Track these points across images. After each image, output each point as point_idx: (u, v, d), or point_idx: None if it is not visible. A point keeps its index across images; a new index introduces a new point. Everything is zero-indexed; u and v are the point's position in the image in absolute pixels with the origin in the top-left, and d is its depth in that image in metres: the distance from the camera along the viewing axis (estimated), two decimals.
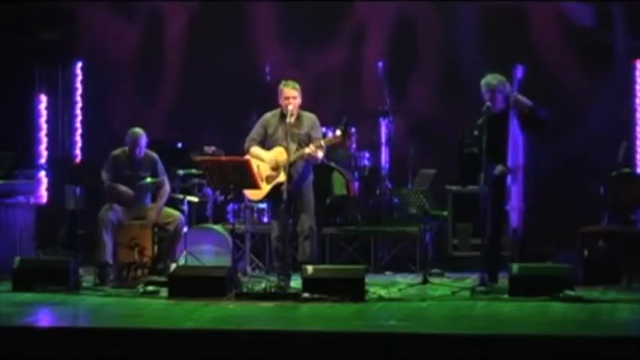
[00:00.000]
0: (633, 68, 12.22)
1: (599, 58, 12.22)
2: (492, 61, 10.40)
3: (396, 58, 12.47)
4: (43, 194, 12.27)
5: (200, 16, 13.03)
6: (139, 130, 10.44)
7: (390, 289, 9.58)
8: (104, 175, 10.41)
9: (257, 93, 11.58)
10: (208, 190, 11.22)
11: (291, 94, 9.79)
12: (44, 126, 12.73)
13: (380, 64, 11.95)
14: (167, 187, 10.53)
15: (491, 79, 9.59)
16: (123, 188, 10.29)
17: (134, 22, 13.16)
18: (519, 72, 9.60)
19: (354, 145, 11.99)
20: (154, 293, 9.45)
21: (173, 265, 9.71)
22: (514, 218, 9.52)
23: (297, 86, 9.84)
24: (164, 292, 9.38)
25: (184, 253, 10.36)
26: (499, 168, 9.48)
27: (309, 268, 9.18)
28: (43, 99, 12.76)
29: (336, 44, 12.81)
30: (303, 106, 9.90)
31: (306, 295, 9.02)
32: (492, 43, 12.26)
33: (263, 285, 9.50)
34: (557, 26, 12.39)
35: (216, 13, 12.94)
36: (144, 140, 10.44)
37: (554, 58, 12.31)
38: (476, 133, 9.73)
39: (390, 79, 11.95)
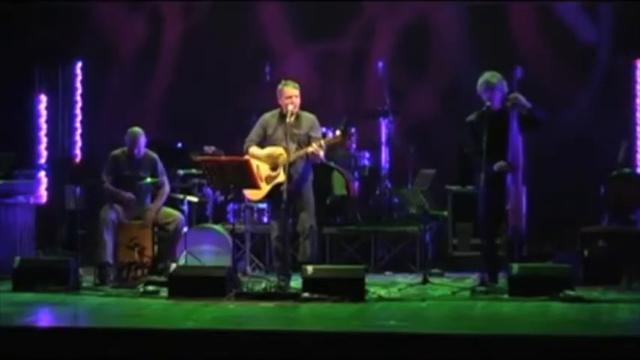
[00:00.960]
0: (634, 68, 12.23)
1: (594, 58, 12.25)
2: (491, 62, 10.40)
3: (397, 58, 12.49)
4: (43, 194, 12.26)
5: (201, 17, 13.04)
6: (138, 130, 10.44)
7: (390, 289, 9.58)
8: (104, 178, 10.41)
9: (257, 93, 11.58)
10: (208, 190, 11.22)
11: (292, 93, 9.80)
12: (44, 126, 12.74)
13: (380, 64, 11.95)
14: (167, 187, 10.53)
15: (490, 77, 9.59)
16: (124, 193, 10.27)
17: (134, 23, 13.16)
18: (518, 73, 9.61)
19: (354, 145, 11.99)
20: (154, 293, 9.45)
21: (173, 265, 9.71)
22: (514, 218, 9.51)
23: (297, 86, 9.85)
24: (164, 292, 9.38)
25: (184, 253, 10.37)
26: (500, 164, 9.45)
27: (309, 268, 9.18)
28: (43, 99, 12.77)
29: (339, 43, 12.82)
30: (303, 106, 9.91)
31: (306, 295, 9.01)
32: (490, 44, 12.27)
33: (263, 285, 9.50)
34: (558, 28, 12.42)
35: (217, 13, 12.95)
36: (143, 140, 10.44)
37: (551, 59, 12.33)
38: (462, 134, 9.77)
39: (391, 79, 11.96)
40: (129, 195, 10.29)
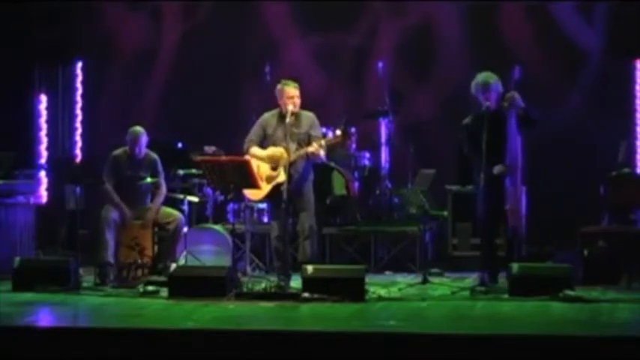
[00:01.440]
0: (633, 68, 12.23)
1: (593, 59, 12.24)
2: (491, 62, 10.40)
3: (398, 58, 12.48)
4: (43, 194, 12.26)
5: (201, 16, 13.03)
6: (139, 129, 10.44)
7: (390, 289, 9.58)
8: (105, 178, 10.41)
9: (257, 93, 11.58)
10: (208, 190, 11.23)
11: (294, 93, 9.81)
12: (44, 126, 12.74)
13: (380, 64, 11.95)
14: (163, 188, 10.53)
15: (485, 77, 9.60)
16: (124, 208, 10.27)
17: (134, 22, 13.15)
18: (517, 73, 9.62)
19: (354, 145, 11.99)
20: (154, 293, 9.45)
21: (173, 265, 9.70)
22: (513, 218, 9.51)
23: (297, 86, 9.86)
24: (164, 292, 9.38)
25: (184, 253, 10.36)
26: (499, 167, 9.46)
27: (309, 268, 9.18)
28: (43, 99, 12.77)
29: (341, 43, 12.83)
30: (303, 105, 9.92)
31: (306, 295, 9.01)
32: (491, 44, 12.26)
33: (263, 285, 9.49)
34: (557, 28, 12.42)
35: (217, 13, 12.95)
36: (144, 139, 10.43)
37: (550, 59, 12.34)
38: (461, 135, 9.77)
39: (392, 78, 11.96)
40: (127, 212, 10.28)
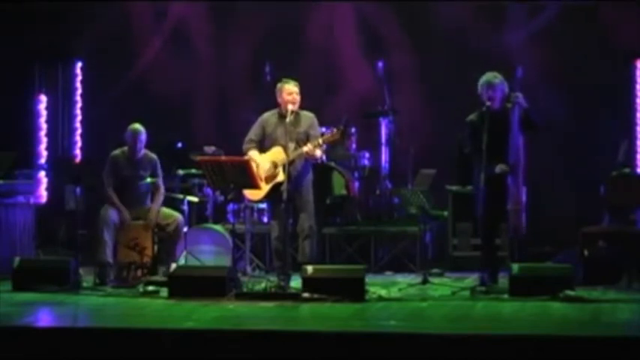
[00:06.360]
0: (634, 68, 12.22)
1: (594, 57, 12.22)
2: (492, 62, 10.39)
3: (396, 57, 12.47)
4: (43, 194, 12.27)
5: (201, 16, 13.02)
6: (138, 127, 10.43)
7: (390, 289, 9.59)
8: (105, 179, 10.42)
9: (257, 93, 11.58)
10: (208, 190, 11.23)
11: (293, 90, 9.82)
12: (44, 126, 12.75)
13: (380, 64, 11.95)
14: (162, 189, 10.54)
15: (492, 77, 9.60)
16: (124, 211, 10.28)
17: (134, 22, 13.14)
18: (519, 72, 9.62)
19: (354, 145, 11.99)
20: (154, 293, 9.45)
21: (173, 265, 9.71)
22: (514, 218, 9.51)
23: (297, 84, 9.87)
24: (164, 292, 9.38)
25: (184, 253, 10.36)
26: (501, 166, 9.46)
27: (309, 268, 9.18)
28: (43, 99, 12.78)
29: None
30: (302, 106, 9.92)
31: (306, 295, 9.01)
32: (491, 43, 12.25)
33: (263, 285, 9.49)
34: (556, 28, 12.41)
35: (217, 13, 12.94)
36: (144, 136, 10.43)
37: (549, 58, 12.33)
38: (460, 134, 9.77)
39: (391, 78, 11.95)
40: (126, 214, 10.28)
